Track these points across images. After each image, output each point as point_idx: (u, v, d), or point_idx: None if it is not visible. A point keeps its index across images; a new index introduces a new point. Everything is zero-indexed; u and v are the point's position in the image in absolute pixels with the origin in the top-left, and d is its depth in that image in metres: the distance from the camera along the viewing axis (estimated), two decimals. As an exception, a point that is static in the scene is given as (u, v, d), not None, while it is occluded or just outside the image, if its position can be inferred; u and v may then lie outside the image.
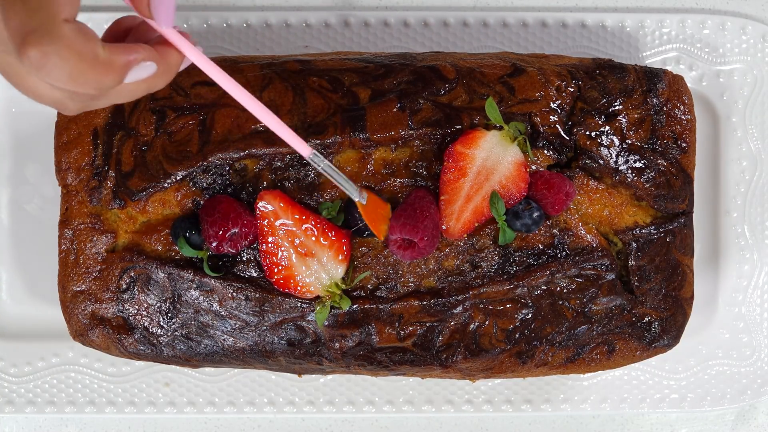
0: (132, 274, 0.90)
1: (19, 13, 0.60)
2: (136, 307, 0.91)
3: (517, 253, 0.90)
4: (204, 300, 0.90)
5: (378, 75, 0.91)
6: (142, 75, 0.68)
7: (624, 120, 0.91)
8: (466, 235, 0.89)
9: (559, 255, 0.90)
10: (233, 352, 0.92)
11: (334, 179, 0.82)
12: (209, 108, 0.90)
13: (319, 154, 0.80)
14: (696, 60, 1.06)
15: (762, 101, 1.06)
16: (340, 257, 0.87)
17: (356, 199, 0.84)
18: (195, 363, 0.94)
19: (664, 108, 0.92)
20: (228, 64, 0.93)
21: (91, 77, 0.64)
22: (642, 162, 0.91)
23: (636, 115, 0.92)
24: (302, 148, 0.78)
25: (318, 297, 0.89)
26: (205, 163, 0.89)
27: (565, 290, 0.91)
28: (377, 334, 0.90)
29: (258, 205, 0.87)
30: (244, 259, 0.89)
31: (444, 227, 0.88)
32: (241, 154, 0.89)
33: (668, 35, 1.06)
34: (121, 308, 0.91)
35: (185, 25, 1.07)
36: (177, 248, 0.90)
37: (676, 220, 0.93)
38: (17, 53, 0.61)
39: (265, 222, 0.87)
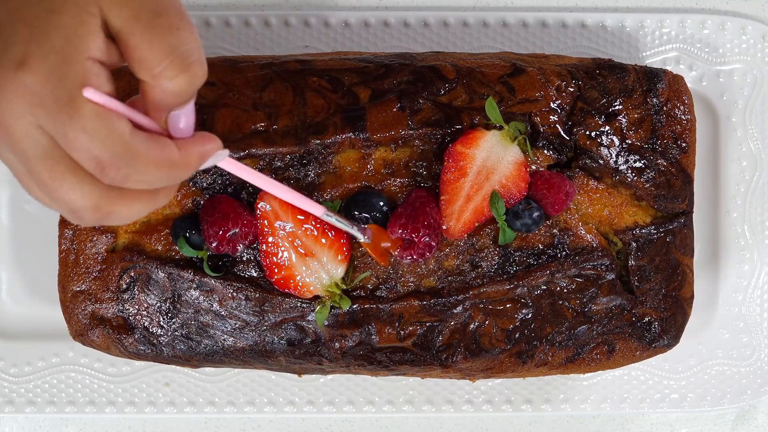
0: (132, 274, 0.90)
1: (86, 139, 0.60)
2: (136, 307, 0.91)
3: (517, 253, 0.90)
4: (204, 300, 0.90)
5: (378, 75, 0.91)
6: (214, 162, 0.68)
7: (624, 120, 0.91)
8: (466, 235, 0.89)
9: (559, 255, 0.90)
10: (233, 352, 0.92)
11: (344, 229, 0.85)
12: (209, 108, 0.90)
13: (330, 213, 0.83)
14: (696, 60, 1.06)
15: (762, 101, 1.06)
16: (340, 257, 0.87)
17: (362, 241, 0.87)
18: (195, 363, 0.94)
19: (664, 108, 0.92)
20: (228, 64, 0.93)
21: (168, 179, 0.64)
22: (642, 162, 0.91)
23: (636, 115, 0.91)
24: (315, 209, 0.82)
25: (318, 297, 0.88)
26: None
27: (565, 290, 0.91)
28: (377, 334, 0.90)
29: (258, 205, 0.87)
30: (244, 259, 0.89)
31: (444, 227, 0.88)
32: (241, 154, 0.88)
33: (668, 35, 1.06)
34: (121, 308, 0.91)
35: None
36: (177, 248, 0.90)
37: (676, 220, 0.93)
38: (97, 175, 0.61)
39: (265, 222, 0.87)
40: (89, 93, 0.60)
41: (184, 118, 0.66)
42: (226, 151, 0.69)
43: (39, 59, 0.60)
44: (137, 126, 0.64)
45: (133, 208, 0.65)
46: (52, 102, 0.60)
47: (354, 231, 0.85)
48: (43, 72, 0.59)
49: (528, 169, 0.88)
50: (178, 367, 1.04)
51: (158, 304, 0.90)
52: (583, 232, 0.91)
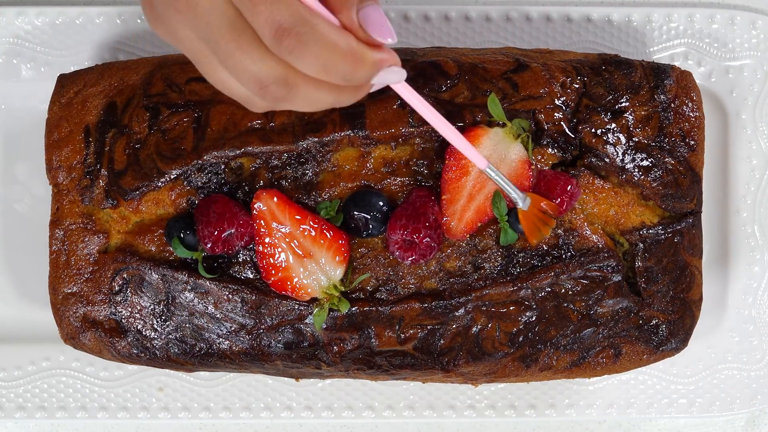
0: (125, 275, 0.90)
1: (270, 4, 0.62)
2: (129, 309, 0.90)
3: (521, 254, 0.90)
4: (199, 302, 0.89)
5: None
6: (390, 79, 0.69)
7: (630, 117, 0.91)
8: (468, 236, 0.89)
9: (563, 256, 0.90)
10: (229, 356, 0.91)
11: (504, 188, 0.84)
12: (204, 105, 0.90)
13: (493, 167, 0.82)
14: (704, 55, 1.06)
15: (772, 98, 1.06)
16: (339, 258, 0.87)
17: (520, 207, 0.85)
18: (189, 367, 0.94)
19: (672, 105, 0.92)
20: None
21: (343, 68, 0.65)
22: (649, 160, 0.91)
23: (643, 112, 0.91)
24: (479, 160, 0.81)
25: (316, 299, 0.88)
26: (200, 162, 0.88)
27: (570, 292, 0.91)
28: (377, 337, 0.90)
29: (254, 205, 0.87)
30: (240, 260, 0.89)
31: (446, 227, 0.87)
32: (237, 152, 0.88)
33: (676, 30, 1.05)
34: (113, 310, 0.91)
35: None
36: (171, 249, 0.89)
37: (684, 220, 0.93)
38: (272, 42, 0.63)
39: (262, 222, 0.86)
40: None
41: (376, 16, 0.66)
42: (404, 73, 0.69)
43: None
44: None
45: (319, 91, 0.66)
46: None
47: (514, 194, 0.84)
48: None
49: (532, 168, 0.87)
50: (172, 372, 1.04)
51: (152, 307, 0.90)
52: (588, 233, 0.90)
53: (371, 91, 0.70)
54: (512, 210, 0.87)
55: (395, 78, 0.69)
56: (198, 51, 0.67)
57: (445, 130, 0.77)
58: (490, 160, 0.86)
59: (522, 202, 0.84)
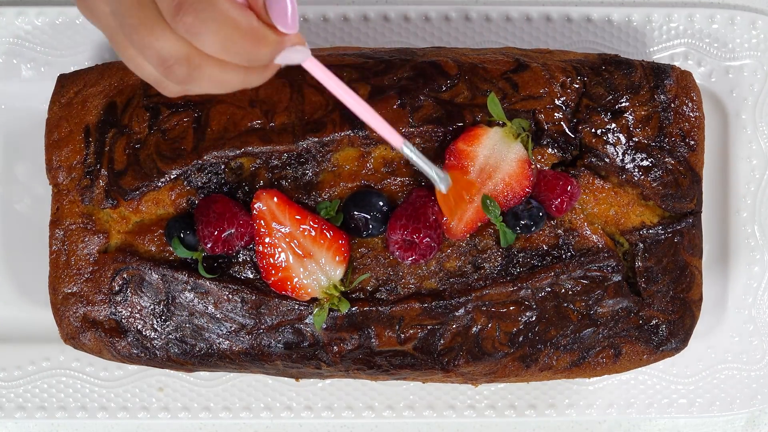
0: (125, 275, 0.89)
1: None
2: (129, 309, 0.90)
3: (521, 254, 0.89)
4: (199, 302, 0.89)
5: (378, 71, 0.90)
6: (294, 59, 0.67)
7: (630, 117, 0.91)
8: (468, 236, 0.88)
9: (563, 256, 0.90)
10: (229, 356, 0.91)
11: (422, 168, 0.80)
12: (204, 105, 0.89)
13: (410, 145, 0.78)
14: (704, 55, 1.05)
15: (772, 98, 1.06)
16: (339, 258, 0.87)
17: (439, 188, 0.81)
18: (189, 367, 0.93)
19: (672, 105, 0.92)
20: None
21: (243, 48, 0.63)
22: (649, 160, 0.90)
23: (643, 112, 0.91)
24: (395, 139, 0.78)
25: (316, 299, 0.88)
26: (200, 162, 0.88)
27: (570, 292, 0.90)
28: (377, 337, 0.89)
29: (254, 205, 0.86)
30: (240, 260, 0.89)
31: (446, 227, 0.87)
32: (237, 152, 0.88)
33: (676, 30, 1.05)
34: (113, 310, 0.90)
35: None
36: (171, 249, 0.89)
37: (684, 220, 0.92)
38: (171, 18, 0.62)
39: (262, 222, 0.86)
40: None
41: (282, 1, 0.65)
42: (308, 52, 0.68)
43: None
44: None
45: (224, 71, 0.65)
46: None
47: (434, 174, 0.80)
48: None
49: (532, 168, 0.87)
50: (172, 372, 1.04)
51: (152, 307, 0.90)
52: (588, 233, 0.90)
53: (280, 67, 0.69)
54: (509, 211, 0.87)
55: (299, 57, 0.67)
56: (111, 28, 0.67)
57: (359, 109, 0.73)
58: (489, 160, 0.86)
59: (441, 183, 0.80)
